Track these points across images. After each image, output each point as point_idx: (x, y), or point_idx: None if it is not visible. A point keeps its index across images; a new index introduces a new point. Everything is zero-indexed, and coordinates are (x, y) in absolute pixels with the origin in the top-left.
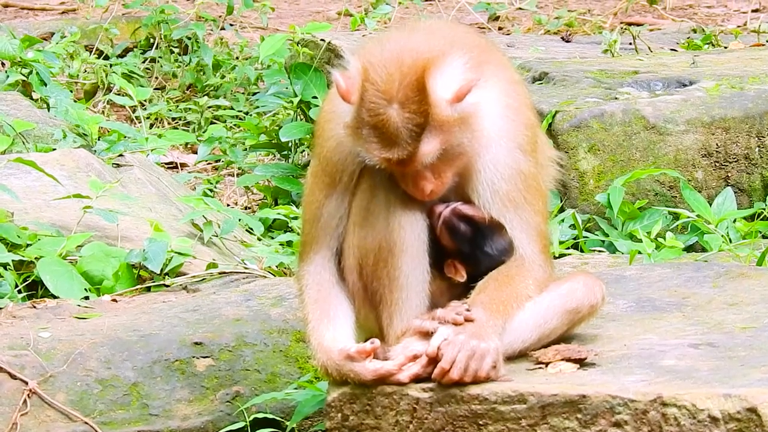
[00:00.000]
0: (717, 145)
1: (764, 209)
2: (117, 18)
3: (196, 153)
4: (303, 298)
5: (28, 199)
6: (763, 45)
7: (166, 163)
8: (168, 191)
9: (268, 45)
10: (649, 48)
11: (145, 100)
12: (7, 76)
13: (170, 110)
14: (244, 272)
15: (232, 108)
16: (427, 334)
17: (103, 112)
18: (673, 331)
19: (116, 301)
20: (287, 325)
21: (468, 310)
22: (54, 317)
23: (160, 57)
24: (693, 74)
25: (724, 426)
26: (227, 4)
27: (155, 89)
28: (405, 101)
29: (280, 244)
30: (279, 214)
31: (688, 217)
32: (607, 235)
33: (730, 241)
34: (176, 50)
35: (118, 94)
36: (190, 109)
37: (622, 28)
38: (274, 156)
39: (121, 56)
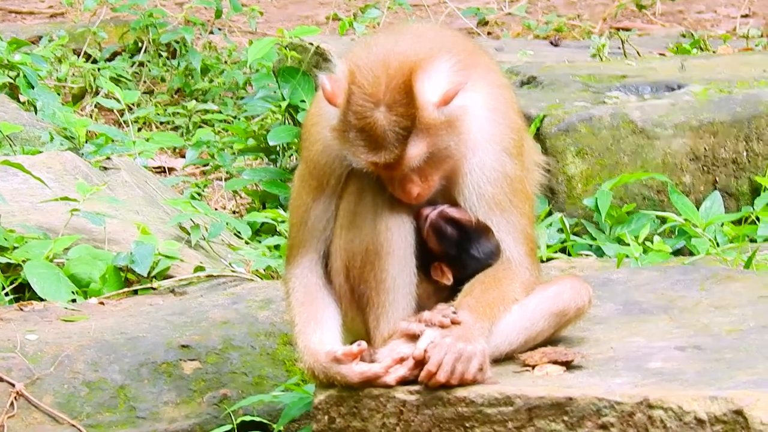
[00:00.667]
0: (705, 149)
1: (752, 213)
2: (105, 22)
3: (184, 157)
4: (290, 301)
5: (15, 202)
6: (752, 50)
7: (154, 167)
8: (155, 194)
9: (257, 49)
10: (638, 52)
11: (133, 104)
12: None
13: (158, 114)
14: (231, 275)
15: (220, 112)
16: (413, 337)
17: (90, 116)
18: (659, 334)
19: (103, 304)
20: (274, 328)
21: (454, 313)
22: (41, 320)
23: (148, 61)
24: (681, 78)
25: (710, 428)
26: (215, 8)
27: (143, 93)
28: (392, 104)
29: (267, 248)
30: (267, 217)
31: (676, 221)
32: (594, 239)
33: (718, 244)
34: (164, 54)
35: (106, 98)
36: (178, 113)
37: (611, 32)
38: (262, 160)
39: (109, 60)
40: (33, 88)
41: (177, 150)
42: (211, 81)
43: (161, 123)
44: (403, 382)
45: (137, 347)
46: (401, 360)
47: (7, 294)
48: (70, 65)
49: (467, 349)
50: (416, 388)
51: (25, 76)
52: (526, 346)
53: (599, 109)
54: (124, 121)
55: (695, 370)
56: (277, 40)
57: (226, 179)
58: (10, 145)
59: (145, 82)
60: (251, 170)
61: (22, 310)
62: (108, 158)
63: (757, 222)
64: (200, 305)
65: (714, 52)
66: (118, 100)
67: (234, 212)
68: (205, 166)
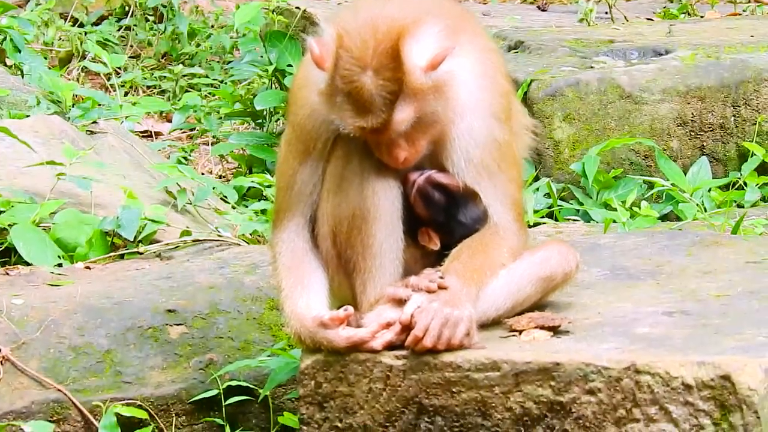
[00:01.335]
0: (692, 114)
1: (739, 178)
2: None
3: (170, 121)
4: (276, 266)
5: (1, 166)
6: (740, 14)
7: (141, 132)
8: (142, 159)
9: (243, 13)
10: (625, 17)
11: (119, 68)
12: None
13: (145, 78)
14: (217, 240)
15: (207, 76)
16: (400, 302)
17: (77, 80)
18: (647, 299)
19: (89, 269)
20: (261, 293)
21: (441, 278)
22: (27, 284)
23: (135, 25)
24: (669, 43)
25: (698, 393)
26: None
27: (130, 57)
28: (379, 68)
29: (254, 212)
30: (253, 182)
31: (663, 186)
32: (581, 204)
33: (705, 209)
34: (151, 18)
35: (93, 62)
36: (164, 77)
37: None
38: (249, 124)
39: (96, 24)
40: (20, 52)
41: (163, 114)
42: (197, 45)
43: (148, 87)
44: (390, 347)
45: (123, 312)
46: (388, 325)
47: None
48: (56, 29)
49: (454, 314)
50: (403, 353)
51: (11, 40)
52: (513, 311)
53: (586, 74)
54: (111, 85)
55: (683, 336)
56: (264, 4)
57: (212, 143)
58: None
59: (131, 46)
60: (238, 134)
61: (8, 274)
62: (95, 122)
63: (744, 187)
64: (186, 270)
65: (701, 16)
66: (104, 64)
67: (220, 177)
68: (191, 130)
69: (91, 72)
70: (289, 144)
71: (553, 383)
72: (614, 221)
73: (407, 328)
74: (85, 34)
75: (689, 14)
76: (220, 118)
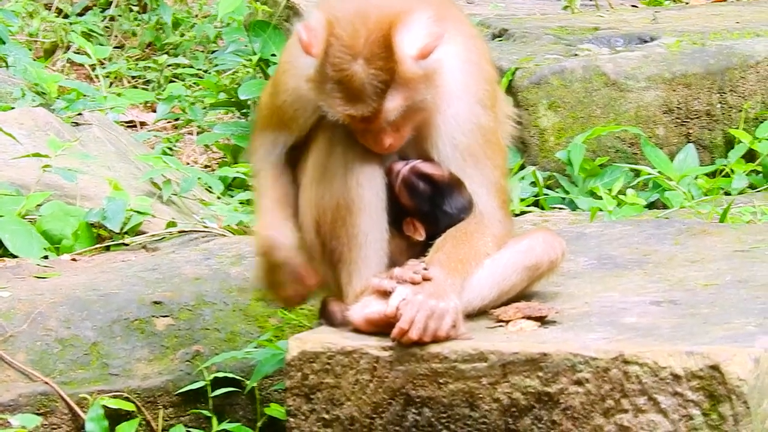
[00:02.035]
0: (678, 101)
1: (726, 166)
2: None
3: (155, 111)
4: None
5: None
6: (725, 1)
7: (126, 122)
8: (127, 150)
9: (227, 3)
10: (610, 4)
11: (104, 59)
12: None
13: (129, 69)
14: (203, 231)
15: (191, 66)
16: (385, 293)
17: (62, 71)
18: (634, 289)
19: (75, 261)
20: (247, 284)
21: (425, 269)
22: (13, 276)
23: (119, 15)
24: (654, 30)
25: (687, 384)
26: None
27: (114, 48)
28: (371, 57)
29: (239, 203)
30: (238, 172)
31: (650, 174)
32: (567, 193)
33: (692, 198)
34: (135, 8)
35: (77, 53)
36: (149, 67)
37: None
38: (234, 114)
39: (80, 15)
40: (4, 43)
41: (148, 105)
42: (182, 35)
43: (132, 77)
44: (377, 337)
45: (110, 304)
46: (372, 323)
47: None
48: (41, 20)
49: (439, 306)
50: (389, 344)
51: None
52: (499, 300)
53: (571, 61)
54: (96, 76)
55: (671, 325)
56: None
57: (197, 134)
58: None
59: (116, 36)
60: (222, 124)
61: None
62: (79, 114)
63: (731, 174)
64: (172, 261)
65: (686, 3)
66: (89, 55)
67: (206, 167)
68: (176, 120)
69: (75, 63)
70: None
71: (540, 374)
72: (600, 210)
73: (393, 320)
74: (70, 25)
75: (674, 1)
76: (205, 108)
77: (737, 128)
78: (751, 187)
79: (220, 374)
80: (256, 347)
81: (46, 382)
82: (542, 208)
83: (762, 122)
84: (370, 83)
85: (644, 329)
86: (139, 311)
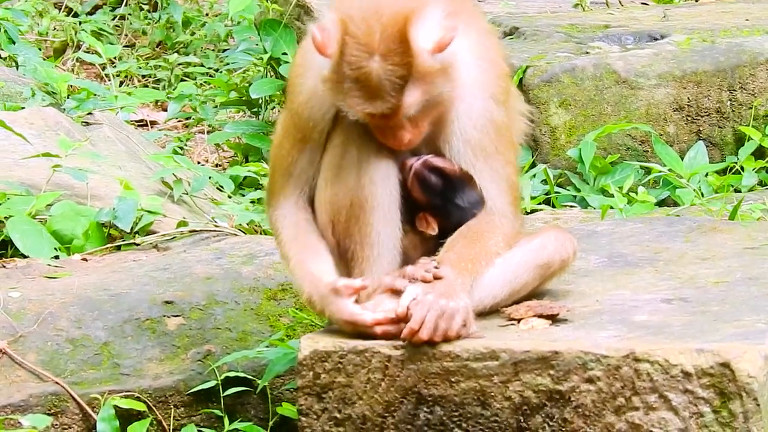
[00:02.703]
0: (688, 99)
1: (736, 163)
2: None
3: (165, 110)
4: (281, 239)
5: None
6: None
7: (136, 121)
8: (138, 149)
9: (238, 1)
10: (620, 2)
11: (114, 58)
12: None
13: (140, 68)
14: (214, 230)
15: (202, 65)
16: (397, 292)
17: (72, 70)
18: (645, 287)
19: (86, 260)
20: (258, 283)
21: (436, 268)
22: (24, 277)
23: (129, 14)
24: (664, 28)
25: (697, 381)
26: None
27: (125, 47)
28: (387, 53)
29: (251, 202)
30: (249, 171)
31: (660, 172)
32: (578, 190)
33: (702, 195)
34: (146, 7)
35: (87, 52)
36: (159, 66)
37: None
38: (245, 113)
39: (90, 14)
40: (14, 43)
41: (159, 104)
42: (192, 34)
43: (143, 76)
44: (389, 337)
45: (120, 304)
46: (390, 321)
47: None
48: (51, 19)
49: (449, 306)
50: (401, 343)
51: (6, 31)
52: (510, 299)
53: (582, 59)
54: (106, 75)
55: (682, 323)
56: None
57: (208, 132)
58: None
59: (126, 35)
60: (233, 123)
61: (4, 267)
62: (90, 113)
63: (741, 172)
64: (183, 261)
65: (696, 0)
66: (99, 55)
67: (216, 166)
68: (187, 119)
69: (85, 62)
70: (287, 130)
71: (552, 372)
72: (611, 207)
73: (404, 320)
74: (80, 24)
75: None
76: (216, 106)
77: (747, 125)
78: (761, 184)
79: (232, 374)
80: (267, 346)
81: (57, 382)
82: (553, 206)
83: None
84: (388, 79)
85: (655, 327)
86: (151, 311)
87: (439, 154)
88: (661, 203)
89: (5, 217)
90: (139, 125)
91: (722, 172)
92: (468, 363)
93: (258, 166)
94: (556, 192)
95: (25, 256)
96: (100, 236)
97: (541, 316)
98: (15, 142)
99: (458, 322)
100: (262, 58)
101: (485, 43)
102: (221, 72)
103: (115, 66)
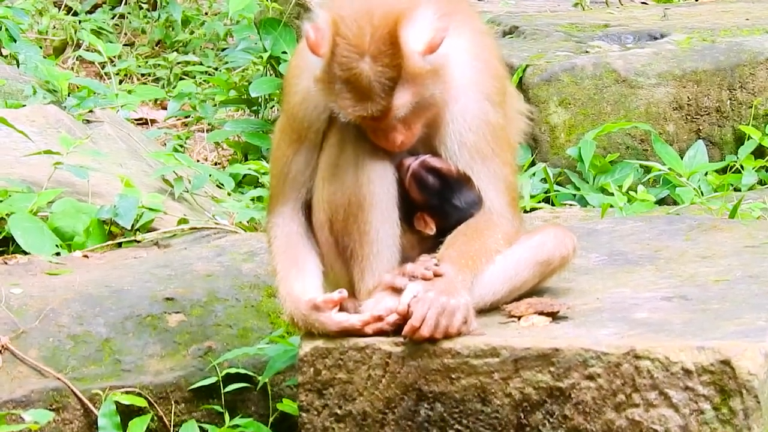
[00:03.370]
0: (688, 98)
1: (736, 162)
2: None
3: (165, 109)
4: (271, 250)
5: None
6: None
7: (136, 119)
8: (138, 147)
9: (237, 0)
10: (620, 1)
11: (114, 57)
12: None
13: (140, 66)
14: (215, 228)
15: (201, 64)
16: (397, 290)
17: (72, 69)
18: (645, 284)
19: (87, 257)
20: (258, 280)
21: (437, 265)
22: (25, 273)
23: (129, 13)
24: (664, 27)
25: (698, 378)
26: None
27: (124, 45)
28: (377, 55)
29: (250, 200)
30: (249, 169)
31: (660, 171)
32: (578, 189)
33: (702, 194)
34: (145, 6)
35: (88, 51)
36: (159, 65)
37: None
38: (244, 111)
39: (90, 12)
40: (15, 41)
41: (159, 102)
42: (191, 32)
43: (142, 75)
44: (389, 334)
45: (122, 300)
46: (380, 318)
47: None
48: (51, 18)
49: (450, 303)
50: (402, 339)
51: (7, 30)
52: (511, 296)
53: (582, 58)
54: (106, 74)
55: (682, 321)
56: None
57: (208, 131)
58: None
59: (125, 34)
60: (233, 122)
61: (6, 263)
62: (91, 111)
63: (741, 171)
64: (184, 258)
65: (696, 0)
66: (99, 53)
67: (216, 164)
68: (186, 117)
69: (86, 61)
70: (283, 131)
71: (552, 369)
72: (611, 206)
73: (405, 317)
74: (80, 22)
75: None
76: (215, 105)
77: (747, 124)
78: (761, 183)
79: (233, 370)
80: (268, 343)
81: (59, 378)
82: (553, 205)
83: None
84: (378, 81)
85: (655, 325)
86: (151, 308)
87: (435, 154)
88: (660, 202)
89: (7, 214)
90: (139, 123)
91: (722, 171)
92: (468, 360)
93: (258, 164)
94: (556, 190)
95: (26, 253)
96: (101, 233)
97: (541, 313)
98: (16, 140)
99: (459, 319)
100: (261, 57)
101: (480, 44)
102: (221, 71)
103: (114, 64)
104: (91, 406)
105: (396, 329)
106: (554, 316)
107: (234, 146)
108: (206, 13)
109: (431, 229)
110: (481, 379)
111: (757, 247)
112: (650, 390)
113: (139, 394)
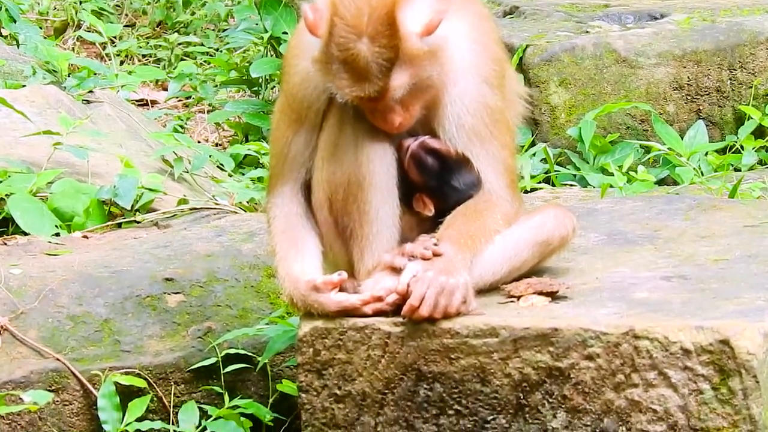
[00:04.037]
0: (688, 78)
1: (735, 142)
2: None
3: (166, 90)
4: (271, 230)
5: None
6: None
7: (137, 100)
8: (138, 128)
9: None
10: None
11: (115, 37)
12: None
13: (140, 47)
14: (214, 208)
15: (202, 44)
16: (397, 269)
17: (73, 49)
18: (645, 264)
19: (87, 238)
20: (258, 261)
21: (436, 245)
22: (25, 254)
23: None
24: (664, 7)
25: (697, 358)
26: None
27: (125, 26)
28: (375, 35)
29: (251, 180)
30: (249, 150)
31: (660, 151)
32: (578, 169)
33: (702, 174)
34: None
35: (88, 31)
36: (160, 45)
37: None
38: (245, 92)
39: None
40: (15, 21)
41: (159, 83)
42: (192, 13)
43: (143, 56)
44: (389, 313)
45: (121, 281)
46: (379, 299)
47: None
48: None
49: (449, 282)
50: (401, 320)
51: (7, 10)
52: (510, 276)
53: (582, 38)
54: (107, 54)
55: (681, 300)
56: None
57: (208, 112)
58: None
59: (126, 14)
60: (234, 102)
61: (5, 244)
62: (90, 92)
63: (741, 151)
64: (184, 238)
65: None
66: (100, 33)
67: (217, 144)
68: (187, 98)
69: (86, 41)
70: (282, 112)
71: (551, 349)
72: (611, 186)
73: (404, 297)
74: (80, 3)
75: None
76: (216, 86)
77: (747, 104)
78: (761, 163)
79: (232, 351)
80: (267, 324)
81: (58, 359)
82: (553, 185)
83: None
84: (375, 62)
85: (655, 304)
86: (151, 288)
87: (435, 135)
88: (660, 182)
89: (6, 195)
90: (139, 104)
91: (722, 151)
92: (468, 340)
93: (258, 145)
94: (556, 171)
95: (26, 234)
96: (100, 214)
97: (540, 293)
98: (16, 120)
99: (458, 299)
100: (262, 38)
101: (479, 27)
102: (221, 51)
103: (115, 45)
104: (90, 386)
105: (395, 309)
106: (553, 296)
107: (234, 127)
108: None
109: (430, 211)
110: (480, 359)
111: (757, 226)
112: (649, 370)
113: (139, 375)
